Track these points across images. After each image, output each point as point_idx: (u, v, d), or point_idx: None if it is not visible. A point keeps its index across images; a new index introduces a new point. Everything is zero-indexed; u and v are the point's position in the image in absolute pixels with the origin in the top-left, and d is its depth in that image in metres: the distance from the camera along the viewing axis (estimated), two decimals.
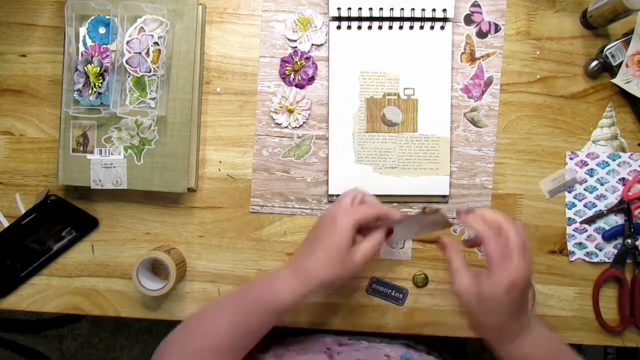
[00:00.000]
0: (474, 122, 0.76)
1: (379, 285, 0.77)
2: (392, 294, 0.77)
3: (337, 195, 0.76)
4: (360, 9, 0.74)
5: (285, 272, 0.61)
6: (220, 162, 0.77)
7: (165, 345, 0.61)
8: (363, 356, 0.69)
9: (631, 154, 0.76)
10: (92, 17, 0.71)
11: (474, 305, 0.55)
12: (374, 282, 0.77)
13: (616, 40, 0.74)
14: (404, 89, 0.75)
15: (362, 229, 0.61)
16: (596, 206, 0.77)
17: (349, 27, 0.75)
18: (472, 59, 0.76)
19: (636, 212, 0.76)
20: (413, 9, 0.74)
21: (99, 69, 0.70)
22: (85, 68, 0.70)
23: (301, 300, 0.59)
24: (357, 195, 0.62)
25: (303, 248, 0.62)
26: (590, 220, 0.76)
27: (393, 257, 0.77)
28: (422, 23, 0.75)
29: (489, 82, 0.76)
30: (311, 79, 0.76)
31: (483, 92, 0.76)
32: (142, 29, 0.71)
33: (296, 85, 0.76)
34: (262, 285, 0.62)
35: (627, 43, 0.73)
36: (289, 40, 0.76)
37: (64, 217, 0.76)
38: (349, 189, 0.64)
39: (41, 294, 0.77)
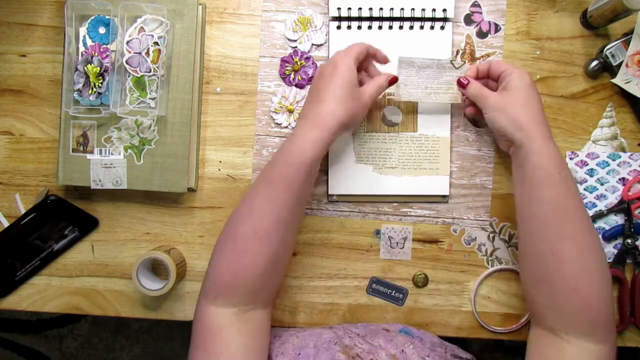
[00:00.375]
0: (474, 122, 0.76)
1: (379, 285, 0.77)
2: (392, 294, 0.77)
3: (337, 195, 0.76)
4: (360, 9, 0.74)
5: (301, 126, 0.63)
6: (220, 162, 0.77)
7: (219, 237, 0.64)
8: (362, 332, 0.70)
9: (631, 154, 0.76)
10: (92, 17, 0.71)
11: (513, 106, 0.63)
12: (374, 282, 0.77)
13: (616, 40, 0.74)
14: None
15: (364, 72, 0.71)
16: (596, 206, 0.77)
17: (349, 27, 0.75)
18: (472, 59, 0.76)
19: (636, 212, 0.76)
20: (413, 9, 0.74)
21: (99, 69, 0.70)
22: (85, 68, 0.70)
23: (325, 147, 0.62)
24: (361, 52, 0.67)
25: (312, 98, 0.64)
26: None
27: (393, 257, 0.77)
28: (422, 23, 0.75)
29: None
30: (311, 79, 0.76)
31: None
32: (142, 29, 0.71)
33: (296, 85, 0.76)
34: (283, 149, 0.63)
35: (627, 43, 0.73)
36: (289, 40, 0.76)
37: (64, 217, 0.76)
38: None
39: (41, 294, 0.77)
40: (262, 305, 0.63)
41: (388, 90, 0.72)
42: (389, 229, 0.77)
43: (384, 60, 0.71)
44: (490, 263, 0.76)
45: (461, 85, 0.70)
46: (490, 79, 0.70)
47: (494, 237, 0.77)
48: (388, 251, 0.77)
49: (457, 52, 0.75)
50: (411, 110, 0.76)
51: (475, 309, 0.77)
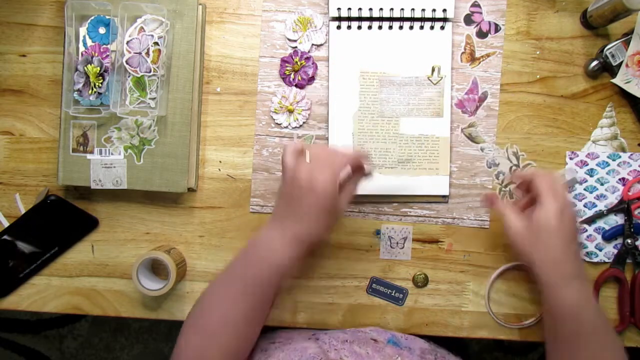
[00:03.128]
0: (471, 138, 0.76)
1: (379, 285, 0.77)
2: (392, 294, 0.77)
3: None
4: (360, 9, 0.74)
5: (279, 236, 0.61)
6: (220, 162, 0.77)
7: (183, 325, 0.64)
8: (350, 338, 0.69)
9: (631, 154, 0.76)
10: (92, 17, 0.71)
11: (529, 241, 0.60)
12: (373, 282, 0.77)
13: (616, 40, 0.74)
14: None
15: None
16: (596, 206, 0.77)
17: (349, 27, 0.75)
18: (472, 59, 0.76)
19: (636, 212, 0.76)
20: (413, 9, 0.74)
21: (99, 69, 0.70)
22: (85, 68, 0.70)
23: (299, 260, 0.61)
24: (344, 174, 0.61)
25: (289, 210, 0.61)
26: (590, 220, 0.76)
27: (393, 257, 0.77)
28: (422, 23, 0.75)
29: (483, 97, 0.76)
30: (311, 79, 0.76)
31: (477, 107, 0.76)
32: (142, 29, 0.71)
33: (296, 85, 0.76)
34: (258, 253, 0.62)
35: (627, 43, 0.73)
36: (289, 40, 0.76)
37: (64, 217, 0.76)
38: (338, 153, 0.63)
39: (41, 294, 0.77)
40: None
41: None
42: (389, 229, 0.77)
43: (368, 174, 0.66)
44: (501, 194, 0.76)
45: (487, 202, 0.70)
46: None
47: (515, 171, 0.76)
48: (388, 251, 0.77)
49: (433, 68, 0.74)
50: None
51: (490, 308, 0.77)
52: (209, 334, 0.61)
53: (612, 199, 0.76)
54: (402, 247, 0.77)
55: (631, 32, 0.73)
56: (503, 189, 0.77)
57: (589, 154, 0.76)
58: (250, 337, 0.65)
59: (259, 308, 0.63)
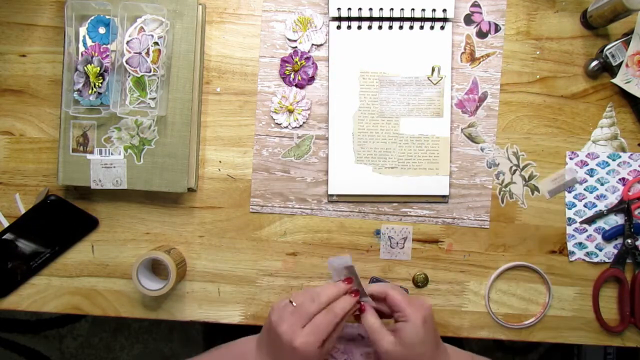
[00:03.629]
0: (471, 138, 0.76)
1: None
2: None
3: (337, 195, 0.76)
4: (360, 9, 0.74)
5: (256, 357, 0.62)
6: (220, 162, 0.77)
7: None
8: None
9: (631, 154, 0.76)
10: (92, 17, 0.71)
11: (404, 353, 0.59)
12: (373, 282, 0.77)
13: (616, 40, 0.74)
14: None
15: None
16: (596, 206, 0.77)
17: (349, 27, 0.75)
18: (472, 59, 0.76)
19: (636, 212, 0.76)
20: (413, 9, 0.74)
21: (99, 69, 0.70)
22: (85, 68, 0.70)
23: None
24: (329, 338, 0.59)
25: (268, 354, 0.61)
26: (590, 220, 0.76)
27: (393, 257, 0.77)
28: (422, 23, 0.75)
29: (483, 98, 0.76)
30: (311, 79, 0.76)
31: (477, 107, 0.76)
32: (142, 29, 0.71)
33: (296, 85, 0.76)
34: None
35: (627, 43, 0.73)
36: (289, 40, 0.76)
37: (64, 217, 0.76)
38: (281, 306, 0.60)
39: (41, 294, 0.77)
40: None
41: None
42: (389, 229, 0.77)
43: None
44: (500, 194, 0.76)
45: (360, 309, 0.62)
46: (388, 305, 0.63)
47: (515, 171, 0.76)
48: (388, 251, 0.77)
49: (433, 68, 0.74)
50: None
51: (490, 308, 0.77)
52: None
53: (612, 199, 0.76)
54: (402, 247, 0.77)
55: (631, 32, 0.73)
56: (503, 189, 0.77)
57: (589, 154, 0.76)
58: None
59: None
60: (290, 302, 0.59)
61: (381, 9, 0.74)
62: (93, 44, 0.71)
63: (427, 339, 0.60)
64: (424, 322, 0.60)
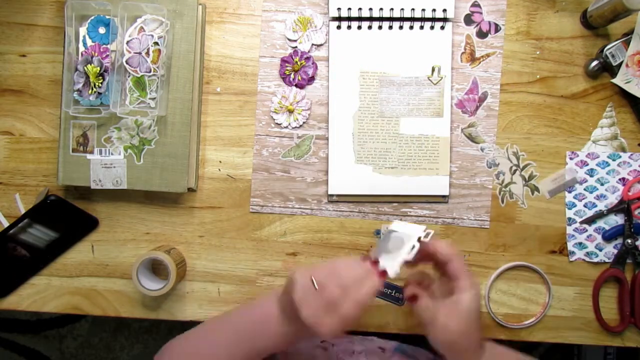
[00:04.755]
0: (471, 138, 0.76)
1: None
2: (392, 294, 0.77)
3: (337, 195, 0.76)
4: (360, 9, 0.74)
5: (286, 323, 0.58)
6: (220, 162, 0.77)
7: (168, 348, 0.63)
8: (358, 348, 0.69)
9: (631, 154, 0.76)
10: (92, 17, 0.71)
11: (459, 328, 0.57)
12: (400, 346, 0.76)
13: (616, 40, 0.74)
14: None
15: None
16: (596, 206, 0.77)
17: (349, 27, 0.75)
18: (473, 59, 0.76)
19: (636, 212, 0.76)
20: (413, 9, 0.74)
21: (99, 69, 0.70)
22: (85, 68, 0.70)
23: (296, 343, 0.60)
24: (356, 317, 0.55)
25: (291, 314, 0.57)
26: (590, 220, 0.76)
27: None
28: (422, 23, 0.75)
29: (483, 98, 0.76)
30: (311, 79, 0.76)
31: (477, 107, 0.76)
32: (142, 29, 0.71)
33: (296, 85, 0.76)
34: (259, 328, 0.61)
35: (627, 43, 0.73)
36: (289, 40, 0.76)
37: (64, 217, 0.76)
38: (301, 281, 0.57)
39: (41, 294, 0.77)
40: None
41: None
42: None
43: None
44: (501, 194, 0.76)
45: (410, 299, 0.61)
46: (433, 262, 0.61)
47: (515, 171, 0.76)
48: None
49: (433, 68, 0.74)
50: None
51: (490, 308, 0.77)
52: None
53: (612, 199, 0.76)
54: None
55: (631, 32, 0.73)
56: (503, 189, 0.77)
57: (589, 154, 0.76)
58: None
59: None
60: (312, 282, 0.55)
61: (381, 9, 0.74)
62: (93, 44, 0.71)
63: (476, 317, 0.58)
64: (476, 297, 0.58)
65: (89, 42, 0.71)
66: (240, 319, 0.63)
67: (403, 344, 0.73)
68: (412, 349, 0.72)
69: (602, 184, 0.76)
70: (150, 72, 0.71)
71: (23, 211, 0.76)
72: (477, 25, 0.76)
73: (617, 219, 0.77)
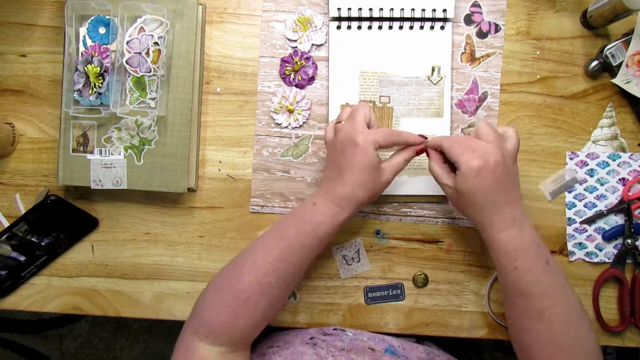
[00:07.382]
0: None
1: (375, 292, 0.77)
2: (390, 294, 0.77)
3: None
4: (360, 9, 0.74)
5: (323, 201, 0.63)
6: (220, 162, 0.77)
7: (217, 279, 0.65)
8: (347, 346, 0.69)
9: (631, 154, 0.76)
10: (92, 17, 0.71)
11: (459, 201, 0.62)
12: (368, 292, 0.77)
13: (616, 40, 0.74)
14: (380, 96, 0.76)
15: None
16: (596, 206, 0.77)
17: (349, 27, 0.75)
18: (473, 59, 0.76)
19: (636, 212, 0.76)
20: (413, 9, 0.74)
21: (99, 69, 0.70)
22: (85, 68, 0.70)
23: (341, 224, 0.64)
24: (367, 114, 0.64)
25: (333, 175, 0.64)
26: (590, 220, 0.76)
27: (354, 274, 0.77)
28: (422, 23, 0.75)
29: (483, 98, 0.76)
30: (311, 79, 0.76)
31: (477, 107, 0.76)
32: (142, 29, 0.71)
33: (296, 85, 0.76)
34: (302, 216, 0.64)
35: (627, 43, 0.73)
36: (289, 40, 0.76)
37: (64, 217, 0.76)
38: (356, 105, 0.65)
39: (41, 294, 0.77)
40: (245, 347, 0.65)
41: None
42: (339, 249, 0.76)
43: (415, 143, 0.66)
44: None
45: (422, 151, 0.66)
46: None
47: None
48: (347, 269, 0.77)
49: (433, 68, 0.74)
50: (386, 117, 0.76)
51: (490, 308, 0.77)
52: (244, 297, 0.61)
53: (612, 199, 0.76)
54: (359, 260, 0.77)
55: (631, 32, 0.73)
56: None
57: (589, 154, 0.76)
58: (281, 301, 0.66)
59: (296, 272, 0.64)
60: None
61: (381, 9, 0.74)
62: (93, 44, 0.71)
63: (481, 189, 0.59)
64: (478, 172, 0.58)
65: (89, 42, 0.71)
66: (282, 223, 0.65)
67: (395, 343, 0.73)
68: (404, 348, 0.72)
69: (602, 184, 0.76)
70: (150, 72, 0.71)
71: (23, 211, 0.76)
72: (477, 25, 0.76)
73: (617, 219, 0.77)
